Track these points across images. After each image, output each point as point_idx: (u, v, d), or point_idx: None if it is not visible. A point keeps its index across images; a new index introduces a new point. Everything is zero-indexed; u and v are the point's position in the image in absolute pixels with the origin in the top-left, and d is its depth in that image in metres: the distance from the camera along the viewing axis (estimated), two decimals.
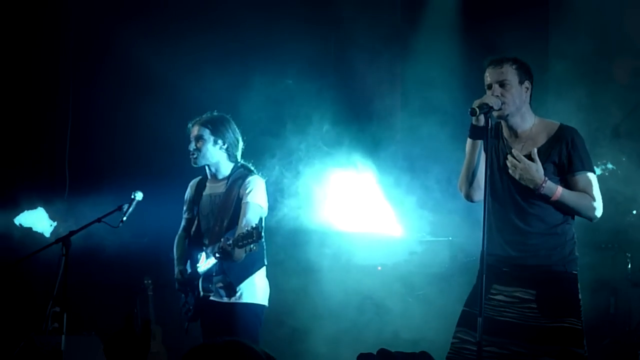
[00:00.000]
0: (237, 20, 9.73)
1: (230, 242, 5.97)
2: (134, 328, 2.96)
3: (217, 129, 6.52)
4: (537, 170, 5.10)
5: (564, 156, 5.16)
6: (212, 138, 6.49)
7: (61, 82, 9.76)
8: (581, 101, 8.81)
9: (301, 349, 8.87)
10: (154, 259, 9.16)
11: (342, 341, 8.87)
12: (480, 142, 5.21)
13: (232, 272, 6.33)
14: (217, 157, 6.53)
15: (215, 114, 6.63)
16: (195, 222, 6.64)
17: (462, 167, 5.38)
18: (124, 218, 6.90)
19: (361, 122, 9.57)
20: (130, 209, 6.88)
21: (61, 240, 6.93)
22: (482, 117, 5.11)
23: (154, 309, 9.25)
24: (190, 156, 6.53)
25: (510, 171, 5.08)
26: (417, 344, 8.36)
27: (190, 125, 6.60)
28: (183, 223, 6.83)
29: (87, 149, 9.66)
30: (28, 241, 8.85)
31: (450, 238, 8.92)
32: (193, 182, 6.80)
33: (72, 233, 6.94)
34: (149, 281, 9.31)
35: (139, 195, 6.90)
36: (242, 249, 5.94)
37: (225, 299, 6.38)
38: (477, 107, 5.06)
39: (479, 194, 5.34)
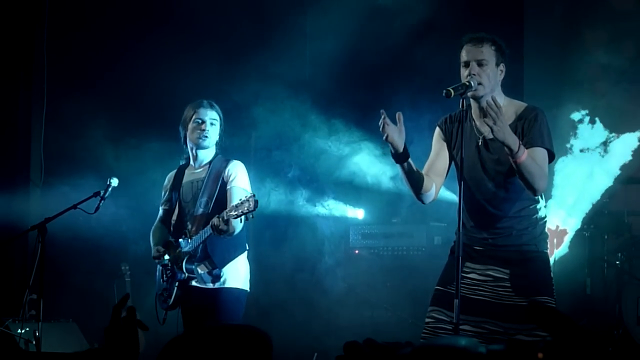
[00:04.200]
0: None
1: (224, 214, 6.01)
2: (120, 318, 2.95)
3: (222, 117, 6.61)
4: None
5: (526, 130, 5.16)
6: (220, 126, 6.58)
7: (36, 69, 9.70)
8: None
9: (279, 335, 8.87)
10: (131, 245, 9.15)
11: (318, 323, 8.90)
12: (406, 164, 5.18)
13: (216, 256, 6.36)
14: (214, 143, 6.59)
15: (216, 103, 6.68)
16: (176, 210, 6.64)
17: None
18: (100, 204, 6.91)
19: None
20: (107, 195, 6.88)
21: (37, 227, 6.91)
22: (396, 144, 5.09)
23: (131, 295, 9.23)
24: (202, 134, 6.50)
25: (489, 122, 4.96)
26: (391, 325, 8.41)
27: (204, 106, 6.57)
28: (160, 214, 6.81)
29: (63, 135, 9.61)
30: (3, 228, 8.80)
31: (428, 222, 8.96)
32: (170, 174, 6.81)
33: (47, 220, 6.93)
34: (126, 267, 9.27)
35: (114, 182, 6.92)
36: (237, 219, 5.99)
37: (210, 285, 6.39)
38: (452, 88, 5.05)
39: (427, 197, 5.36)
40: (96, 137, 9.46)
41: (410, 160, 5.19)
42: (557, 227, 8.34)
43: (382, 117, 5.05)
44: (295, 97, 9.46)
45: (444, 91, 5.03)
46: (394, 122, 5.09)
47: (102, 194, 6.90)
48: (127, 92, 9.58)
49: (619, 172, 8.36)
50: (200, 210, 6.43)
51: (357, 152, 9.14)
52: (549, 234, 5.38)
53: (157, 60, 9.42)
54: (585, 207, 8.44)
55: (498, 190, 5.26)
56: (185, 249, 6.39)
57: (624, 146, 8.33)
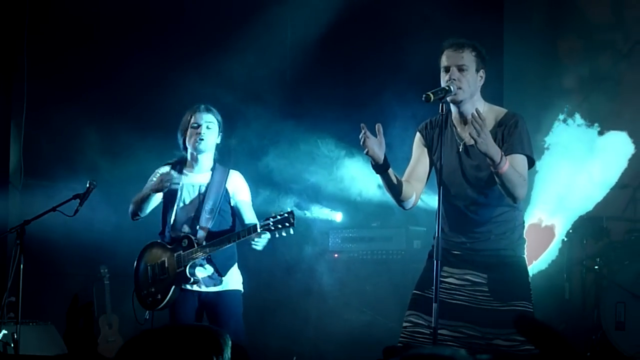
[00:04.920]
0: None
1: (260, 225, 6.21)
2: (78, 318, 2.97)
3: (220, 122, 6.69)
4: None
5: (506, 137, 5.19)
6: (218, 129, 6.65)
7: (16, 71, 9.66)
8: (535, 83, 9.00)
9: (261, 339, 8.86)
10: (110, 248, 9.12)
11: (296, 325, 8.90)
12: (387, 174, 5.20)
13: (218, 262, 6.50)
14: (213, 147, 6.66)
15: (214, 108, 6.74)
16: (174, 210, 6.63)
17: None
18: (80, 207, 6.91)
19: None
20: (86, 198, 6.89)
21: (15, 229, 6.90)
22: (377, 156, 5.11)
23: (110, 297, 9.21)
24: (198, 138, 6.56)
25: (473, 134, 4.96)
26: (370, 328, 8.40)
27: (200, 110, 6.64)
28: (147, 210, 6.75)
29: (43, 137, 9.58)
30: None
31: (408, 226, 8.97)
32: (164, 169, 6.74)
33: (26, 222, 6.92)
34: (105, 270, 9.26)
35: (94, 184, 6.91)
36: (272, 232, 6.17)
37: (212, 288, 6.51)
38: (432, 92, 5.07)
39: (408, 204, 5.40)
40: (76, 140, 9.44)
41: (390, 169, 5.21)
42: (541, 220, 8.34)
43: (363, 131, 5.07)
44: (275, 95, 9.48)
45: (424, 95, 5.04)
46: (374, 133, 5.12)
47: (81, 196, 6.90)
48: (108, 94, 9.55)
49: (600, 174, 8.39)
50: (206, 217, 6.51)
51: (341, 152, 9.14)
52: (526, 239, 5.41)
53: (140, 61, 9.40)
54: (568, 207, 8.44)
55: (478, 196, 5.28)
56: (189, 255, 6.44)
57: (605, 147, 8.36)
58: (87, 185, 6.92)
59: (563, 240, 8.64)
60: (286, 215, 6.13)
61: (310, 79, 9.70)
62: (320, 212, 9.40)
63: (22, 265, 6.88)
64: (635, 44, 9.12)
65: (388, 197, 5.49)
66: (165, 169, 6.71)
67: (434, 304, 4.91)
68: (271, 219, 6.16)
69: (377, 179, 5.36)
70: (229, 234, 6.38)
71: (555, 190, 8.26)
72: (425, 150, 5.46)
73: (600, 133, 8.38)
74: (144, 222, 6.84)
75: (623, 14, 9.27)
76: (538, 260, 8.26)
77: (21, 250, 6.86)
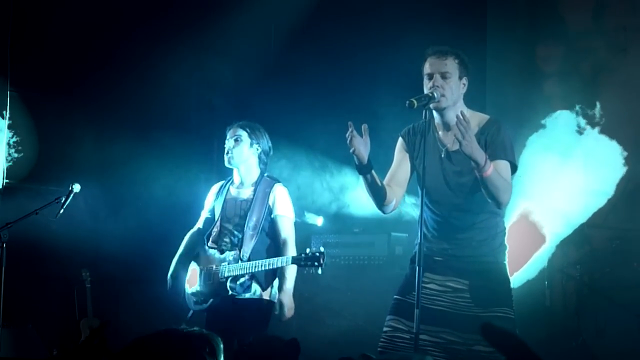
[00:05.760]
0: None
1: (289, 259, 6.35)
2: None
3: (255, 133, 6.74)
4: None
5: (489, 142, 5.21)
6: (249, 140, 6.69)
7: None
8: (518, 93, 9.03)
9: None
10: (92, 251, 9.09)
11: (277, 331, 8.87)
12: (370, 175, 5.24)
13: (261, 277, 6.58)
14: (250, 159, 6.72)
15: (250, 122, 6.83)
16: (217, 224, 6.75)
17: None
18: (61, 210, 6.91)
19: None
20: (68, 201, 6.88)
21: None
22: (362, 156, 5.14)
23: (91, 301, 9.18)
24: (225, 155, 6.71)
25: (458, 136, 4.97)
26: (351, 334, 8.40)
27: (228, 128, 6.78)
28: (202, 222, 6.95)
29: (25, 139, 9.53)
30: None
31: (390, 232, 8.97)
32: (215, 186, 6.96)
33: (8, 225, 6.89)
34: (87, 273, 9.23)
35: (76, 187, 6.92)
36: (301, 267, 6.31)
37: (244, 295, 6.59)
38: (416, 99, 5.09)
39: (388, 208, 5.44)
40: (58, 142, 9.40)
41: (373, 171, 5.23)
42: (525, 223, 8.33)
43: (350, 129, 5.09)
44: (261, 96, 9.49)
45: (407, 102, 5.06)
46: (360, 133, 5.14)
47: (63, 199, 6.90)
48: (92, 94, 9.52)
49: (583, 181, 8.41)
50: (249, 234, 6.58)
51: (331, 157, 9.14)
52: (507, 245, 5.42)
53: (130, 59, 9.40)
54: (551, 211, 8.45)
55: (459, 202, 5.30)
56: (233, 269, 6.54)
57: (586, 154, 8.39)
58: (69, 188, 6.91)
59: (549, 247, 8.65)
60: (317, 255, 6.24)
61: (295, 80, 9.70)
62: (301, 216, 9.38)
63: (3, 268, 6.86)
64: (617, 51, 9.18)
65: (370, 203, 5.50)
66: (218, 185, 6.92)
67: (415, 310, 4.93)
68: (303, 255, 6.28)
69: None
70: (266, 260, 6.43)
71: (535, 196, 8.28)
72: (407, 155, 5.49)
73: (582, 140, 8.40)
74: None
75: (604, 22, 9.33)
76: (523, 268, 8.27)
77: (2, 253, 6.83)
